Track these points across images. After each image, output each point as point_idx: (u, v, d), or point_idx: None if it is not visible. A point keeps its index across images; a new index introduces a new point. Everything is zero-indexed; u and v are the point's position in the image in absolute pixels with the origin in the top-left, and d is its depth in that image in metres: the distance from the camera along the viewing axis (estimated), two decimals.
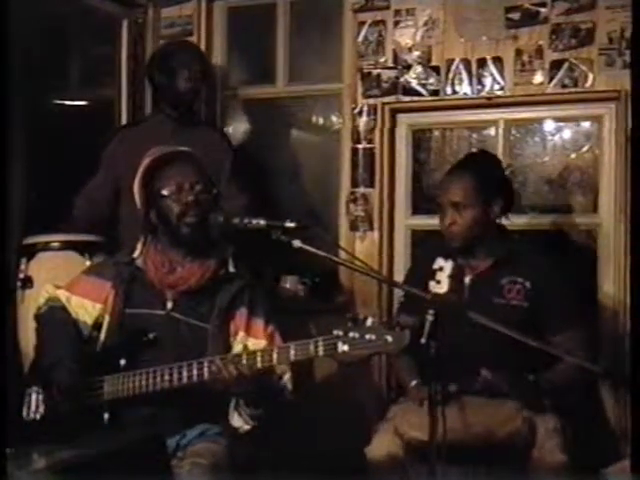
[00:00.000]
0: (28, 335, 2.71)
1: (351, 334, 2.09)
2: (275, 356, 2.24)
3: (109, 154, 3.47)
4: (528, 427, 2.59)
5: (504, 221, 2.87)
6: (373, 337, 2.08)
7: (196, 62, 3.51)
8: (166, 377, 2.30)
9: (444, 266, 2.48)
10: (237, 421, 2.42)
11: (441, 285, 2.63)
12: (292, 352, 2.21)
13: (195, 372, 2.28)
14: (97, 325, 2.51)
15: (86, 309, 2.53)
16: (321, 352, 2.15)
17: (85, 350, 2.45)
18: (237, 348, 2.46)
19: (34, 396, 2.39)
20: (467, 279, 2.80)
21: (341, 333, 2.10)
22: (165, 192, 2.47)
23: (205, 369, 2.28)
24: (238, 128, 4.13)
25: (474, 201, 2.74)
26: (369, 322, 2.10)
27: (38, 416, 2.38)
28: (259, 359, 2.25)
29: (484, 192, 2.76)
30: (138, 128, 3.59)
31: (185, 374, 2.29)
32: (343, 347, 2.10)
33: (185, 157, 2.53)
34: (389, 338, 2.07)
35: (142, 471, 2.11)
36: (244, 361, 2.25)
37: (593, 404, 3.31)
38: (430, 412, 2.06)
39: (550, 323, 2.77)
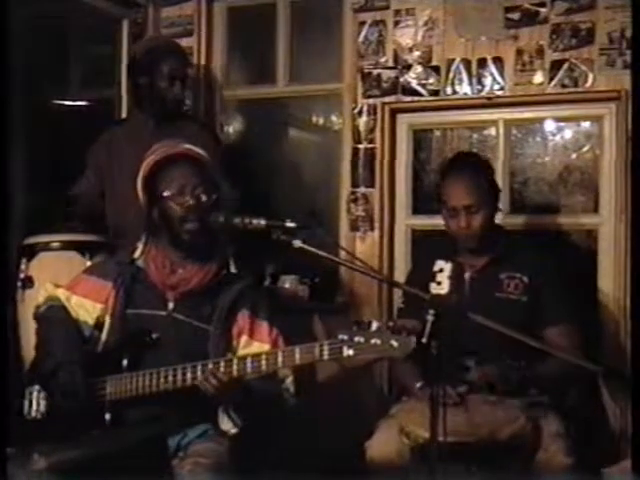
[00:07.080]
0: (29, 335, 2.71)
1: (356, 338, 2.08)
2: (280, 359, 2.24)
3: (94, 155, 3.43)
4: (532, 428, 2.59)
5: (498, 220, 2.97)
6: (378, 342, 2.07)
7: (181, 64, 3.42)
8: (170, 378, 2.29)
9: (444, 267, 2.48)
10: (226, 424, 2.40)
11: (442, 286, 2.63)
12: (297, 355, 2.20)
13: (199, 374, 2.26)
14: (98, 325, 2.49)
15: (86, 309, 2.52)
16: (326, 356, 2.14)
17: (87, 350, 2.44)
18: (241, 352, 2.45)
19: (35, 395, 2.39)
20: (467, 275, 2.86)
21: (346, 337, 2.09)
22: (167, 194, 2.45)
23: (208, 371, 2.26)
24: (238, 128, 4.13)
25: (485, 203, 2.83)
26: (374, 326, 2.09)
27: (39, 415, 2.37)
28: (264, 362, 2.24)
29: (490, 193, 2.87)
30: (120, 128, 3.51)
31: (189, 376, 2.27)
32: (348, 351, 2.09)
33: (189, 157, 2.50)
34: (395, 343, 2.05)
35: (143, 471, 2.11)
36: (249, 363, 2.25)
37: (592, 403, 3.30)
38: (432, 412, 2.06)
39: (547, 318, 2.81)
